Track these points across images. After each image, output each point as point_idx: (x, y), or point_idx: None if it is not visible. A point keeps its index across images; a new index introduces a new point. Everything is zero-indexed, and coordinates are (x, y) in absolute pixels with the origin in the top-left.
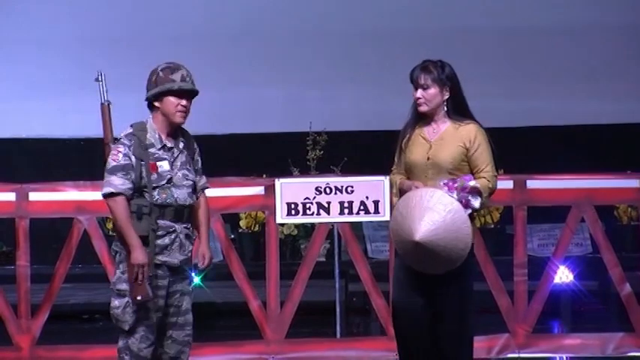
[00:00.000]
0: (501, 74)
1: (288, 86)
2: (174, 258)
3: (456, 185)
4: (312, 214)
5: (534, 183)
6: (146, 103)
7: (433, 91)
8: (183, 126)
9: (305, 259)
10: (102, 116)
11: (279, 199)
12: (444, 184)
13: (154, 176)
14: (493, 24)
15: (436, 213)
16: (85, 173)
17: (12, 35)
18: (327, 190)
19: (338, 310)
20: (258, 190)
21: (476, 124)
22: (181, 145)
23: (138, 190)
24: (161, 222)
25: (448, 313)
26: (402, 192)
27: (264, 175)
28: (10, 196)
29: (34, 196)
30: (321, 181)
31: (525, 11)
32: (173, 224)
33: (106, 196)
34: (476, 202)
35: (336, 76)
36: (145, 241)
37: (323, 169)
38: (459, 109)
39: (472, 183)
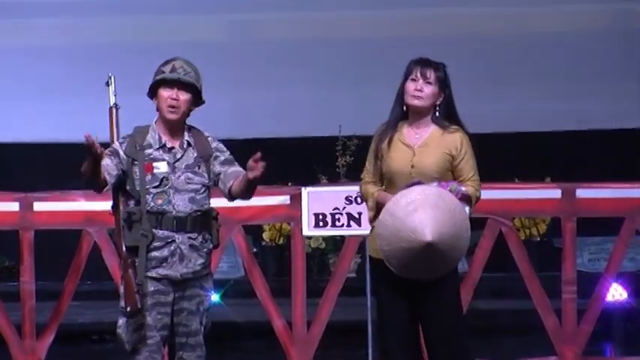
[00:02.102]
0: (542, 76)
1: (315, 86)
2: (176, 271)
3: (448, 188)
4: (342, 225)
5: (584, 192)
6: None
7: (433, 89)
8: (200, 127)
9: (334, 275)
10: (109, 120)
11: (306, 209)
12: (438, 184)
13: (149, 177)
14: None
15: (441, 211)
16: None
17: (18, 33)
18: (359, 200)
19: (370, 330)
20: (283, 199)
21: (461, 131)
22: (187, 145)
23: (134, 198)
24: (158, 232)
25: (441, 318)
26: (379, 206)
27: (290, 184)
28: (14, 206)
29: (39, 206)
30: (352, 189)
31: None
32: (172, 234)
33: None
34: (466, 210)
35: (368, 75)
36: (135, 251)
37: (353, 176)
38: (448, 115)
39: (464, 189)
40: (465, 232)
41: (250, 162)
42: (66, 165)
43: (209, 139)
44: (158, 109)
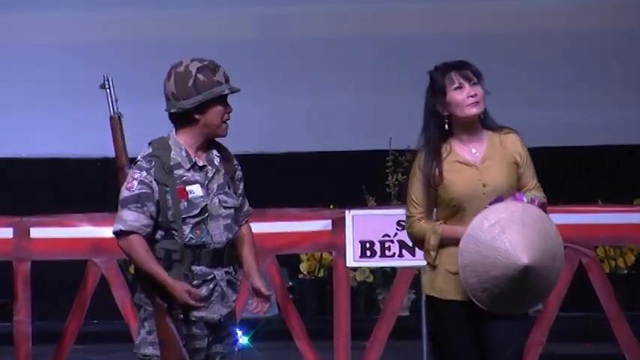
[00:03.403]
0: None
1: (360, 91)
2: (214, 313)
3: (525, 199)
4: (393, 255)
5: None
6: (169, 114)
7: (482, 89)
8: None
9: (383, 314)
10: (112, 133)
11: (351, 236)
12: (513, 198)
13: (184, 205)
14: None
15: (530, 227)
16: (102, 203)
17: (11, 36)
18: None
19: None
20: (324, 224)
21: (513, 130)
22: (217, 161)
23: (164, 228)
24: (196, 268)
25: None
26: (444, 241)
27: (331, 206)
28: (7, 233)
29: (36, 232)
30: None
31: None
32: (211, 270)
33: (116, 234)
34: (553, 223)
35: (423, 78)
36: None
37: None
38: (489, 116)
39: (538, 197)
40: (558, 248)
41: (255, 300)
42: (67, 184)
43: (229, 153)
44: (191, 124)
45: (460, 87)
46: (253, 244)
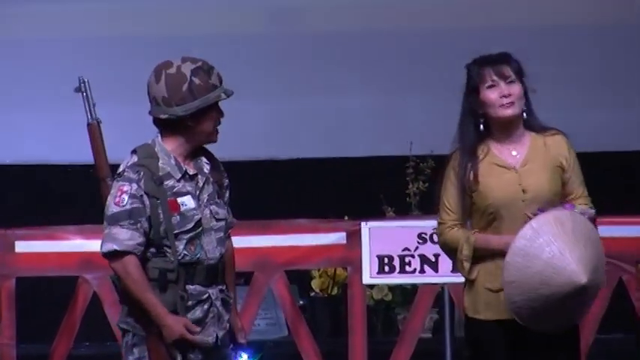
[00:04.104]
0: None
1: (378, 91)
2: (209, 335)
3: (575, 210)
4: (414, 271)
5: None
6: (155, 119)
7: (519, 87)
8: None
9: (403, 335)
10: (91, 141)
11: (367, 250)
12: (563, 208)
13: (176, 219)
14: None
15: (583, 242)
16: (93, 214)
17: None
18: (435, 238)
19: None
20: (338, 237)
21: (560, 132)
22: (206, 169)
23: (155, 245)
24: (190, 287)
25: None
26: (478, 253)
27: (346, 217)
28: None
29: (22, 245)
30: (426, 224)
31: None
32: (205, 289)
33: (108, 255)
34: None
35: (447, 77)
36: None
37: (428, 208)
38: (534, 116)
39: (591, 211)
40: (603, 260)
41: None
42: (55, 193)
43: (216, 159)
44: (183, 130)
45: (494, 85)
46: (234, 268)
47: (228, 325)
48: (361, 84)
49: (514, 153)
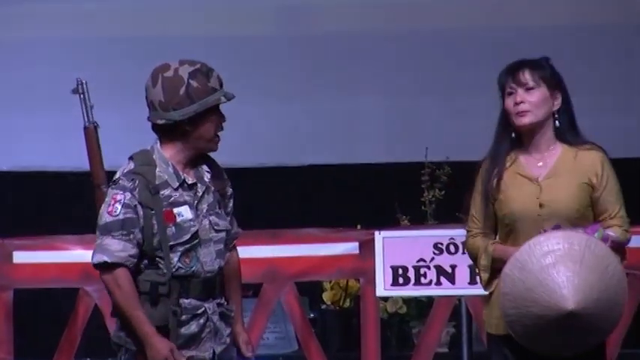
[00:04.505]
0: None
1: (393, 96)
2: (205, 351)
3: (595, 235)
4: (429, 283)
5: None
6: (153, 125)
7: (541, 94)
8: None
9: (418, 350)
10: (87, 146)
11: (381, 260)
12: (584, 231)
13: (172, 230)
14: None
15: (590, 268)
16: (94, 223)
17: None
18: (452, 248)
19: None
20: (350, 247)
21: (598, 147)
22: (207, 178)
23: (148, 256)
24: (185, 301)
25: None
26: (496, 265)
27: (359, 226)
28: None
29: (20, 256)
30: (443, 234)
31: None
32: (201, 303)
33: (99, 267)
34: (621, 266)
35: (465, 78)
36: (162, 332)
37: (444, 217)
38: (571, 127)
39: (614, 235)
40: (621, 297)
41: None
42: (54, 200)
43: (219, 167)
44: (182, 136)
45: (512, 92)
46: (240, 279)
47: (228, 339)
48: (374, 87)
49: (540, 164)
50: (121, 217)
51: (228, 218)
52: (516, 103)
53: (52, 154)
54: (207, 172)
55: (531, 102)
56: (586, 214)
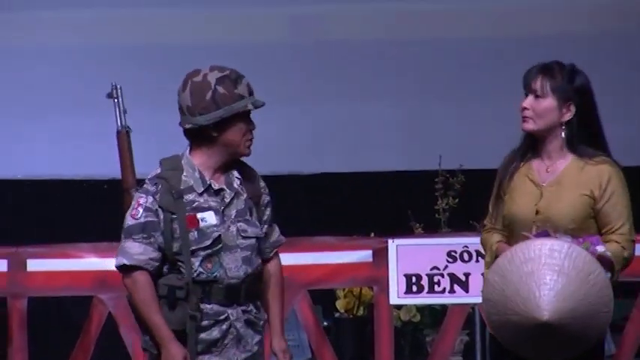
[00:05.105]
0: None
1: (406, 103)
2: (229, 358)
3: (582, 246)
4: (443, 291)
5: None
6: (184, 130)
7: (548, 104)
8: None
9: (432, 358)
10: (119, 150)
11: (395, 269)
12: (572, 240)
13: (194, 235)
14: None
15: (569, 277)
16: (108, 230)
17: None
18: (465, 256)
19: None
20: (364, 255)
21: (609, 161)
22: (236, 184)
23: (169, 261)
24: (206, 307)
25: None
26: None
27: (372, 234)
28: (1, 265)
29: (34, 264)
30: (456, 242)
31: None
32: (224, 309)
33: (120, 269)
34: (607, 277)
35: (479, 85)
36: (180, 336)
37: (458, 224)
38: (587, 139)
39: (601, 250)
40: (604, 306)
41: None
42: (68, 209)
43: (255, 173)
44: (209, 142)
45: (526, 95)
46: (282, 289)
47: (256, 347)
48: (388, 96)
49: (548, 171)
50: (142, 220)
51: (264, 226)
52: (522, 108)
53: (67, 163)
54: (238, 178)
55: (535, 110)
56: (585, 226)
